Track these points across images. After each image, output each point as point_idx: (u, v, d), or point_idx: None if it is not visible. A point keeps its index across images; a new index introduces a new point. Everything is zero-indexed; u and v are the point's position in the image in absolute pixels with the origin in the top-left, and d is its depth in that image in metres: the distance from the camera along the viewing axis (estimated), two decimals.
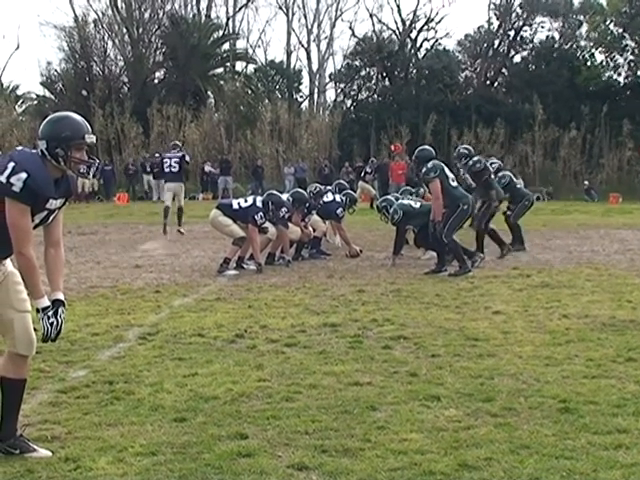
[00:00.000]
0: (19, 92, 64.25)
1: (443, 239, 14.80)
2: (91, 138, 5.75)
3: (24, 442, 5.85)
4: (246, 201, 15.84)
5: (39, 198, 5.53)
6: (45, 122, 5.80)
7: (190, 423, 6.47)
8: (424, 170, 15.02)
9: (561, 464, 5.51)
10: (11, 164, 5.48)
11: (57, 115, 5.91)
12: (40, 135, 5.70)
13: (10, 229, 5.47)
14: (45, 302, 5.65)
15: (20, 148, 6.03)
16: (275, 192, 16.62)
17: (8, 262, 5.79)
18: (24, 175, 5.42)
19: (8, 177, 5.42)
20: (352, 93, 59.94)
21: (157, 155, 31.58)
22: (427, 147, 16.24)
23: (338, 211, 18.00)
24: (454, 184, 15.18)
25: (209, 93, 59.48)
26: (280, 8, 61.30)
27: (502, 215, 19.75)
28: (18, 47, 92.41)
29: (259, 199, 15.79)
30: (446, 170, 15.19)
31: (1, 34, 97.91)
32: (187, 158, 24.53)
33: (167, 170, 23.94)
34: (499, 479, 5.28)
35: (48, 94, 61.73)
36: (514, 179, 20.03)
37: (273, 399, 7.07)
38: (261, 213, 15.36)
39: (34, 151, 5.71)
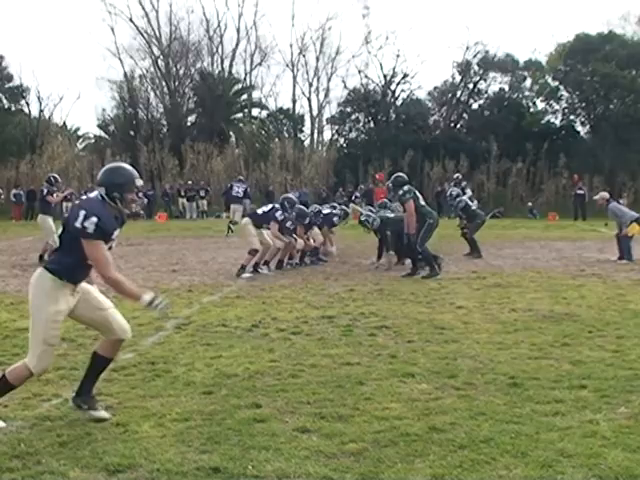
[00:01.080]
0: (80, 133, 64.22)
1: (417, 248, 14.79)
2: (140, 182, 5.86)
3: (93, 401, 5.94)
4: (267, 207, 16.15)
5: (107, 233, 5.64)
6: (103, 172, 5.87)
7: (216, 395, 6.47)
8: (401, 192, 15.00)
9: (510, 427, 5.50)
10: (82, 212, 5.57)
11: (112, 166, 6.00)
12: (99, 182, 5.78)
13: (93, 263, 5.61)
14: (146, 299, 5.79)
15: (85, 197, 6.16)
16: (290, 195, 16.87)
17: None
18: (95, 219, 5.52)
19: (82, 222, 5.52)
20: (344, 133, 59.92)
21: (229, 185, 33.14)
22: (401, 174, 16.23)
23: (335, 219, 18.39)
24: (422, 203, 15.19)
25: (231, 133, 59.39)
26: (287, 66, 61.25)
27: (461, 231, 19.82)
28: (79, 97, 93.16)
29: (277, 205, 15.96)
30: (417, 193, 15.20)
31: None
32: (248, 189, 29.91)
33: (235, 195, 28.54)
34: (461, 439, 5.28)
35: (103, 134, 61.79)
36: (469, 203, 20.08)
37: (282, 376, 7.07)
38: (280, 211, 15.55)
39: (94, 195, 5.80)
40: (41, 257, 17.60)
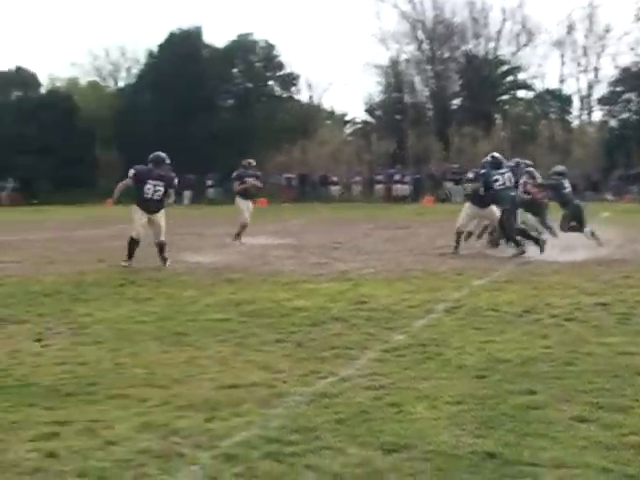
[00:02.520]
0: (347, 118, 65.92)
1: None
2: None
3: None
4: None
5: None
6: None
7: (488, 380, 6.40)
8: None
9: None
10: None
11: None
12: None
13: None
14: None
15: None
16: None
17: None
18: None
19: None
20: (615, 114, 57.66)
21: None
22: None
23: None
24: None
25: (496, 115, 58.86)
26: (554, 46, 59.70)
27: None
28: (347, 83, 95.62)
29: None
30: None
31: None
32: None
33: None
34: None
35: (370, 119, 63.09)
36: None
37: (556, 363, 6.87)
38: None
39: None
40: (238, 235, 19.12)
